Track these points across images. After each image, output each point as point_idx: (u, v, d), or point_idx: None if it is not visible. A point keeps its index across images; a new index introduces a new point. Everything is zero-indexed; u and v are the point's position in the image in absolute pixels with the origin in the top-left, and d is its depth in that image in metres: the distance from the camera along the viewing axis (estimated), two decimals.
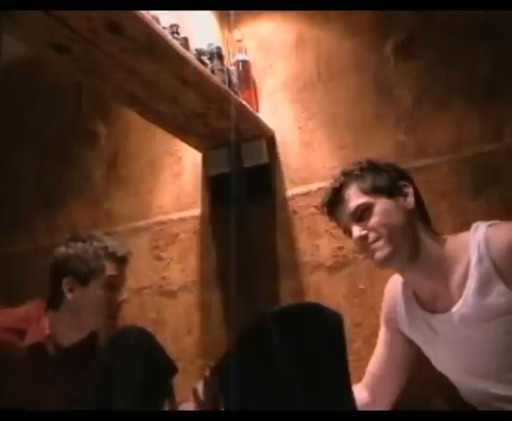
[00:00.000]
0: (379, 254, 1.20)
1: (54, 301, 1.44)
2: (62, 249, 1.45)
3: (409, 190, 1.26)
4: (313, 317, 0.99)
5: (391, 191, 1.24)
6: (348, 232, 1.27)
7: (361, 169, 1.27)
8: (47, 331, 1.41)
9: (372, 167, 1.27)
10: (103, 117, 2.09)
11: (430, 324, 1.24)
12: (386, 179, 1.25)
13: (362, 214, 1.22)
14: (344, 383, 0.97)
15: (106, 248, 1.44)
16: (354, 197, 1.24)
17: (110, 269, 1.42)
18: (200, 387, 1.25)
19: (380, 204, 1.22)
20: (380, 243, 1.20)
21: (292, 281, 1.71)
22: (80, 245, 1.44)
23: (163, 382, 1.19)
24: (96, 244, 1.45)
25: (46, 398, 1.37)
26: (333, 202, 1.28)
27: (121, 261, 1.46)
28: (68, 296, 1.41)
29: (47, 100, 2.19)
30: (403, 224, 1.21)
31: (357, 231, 1.22)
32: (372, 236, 1.21)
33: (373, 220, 1.21)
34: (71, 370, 1.41)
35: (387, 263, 1.22)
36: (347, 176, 1.27)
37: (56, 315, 1.43)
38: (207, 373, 1.14)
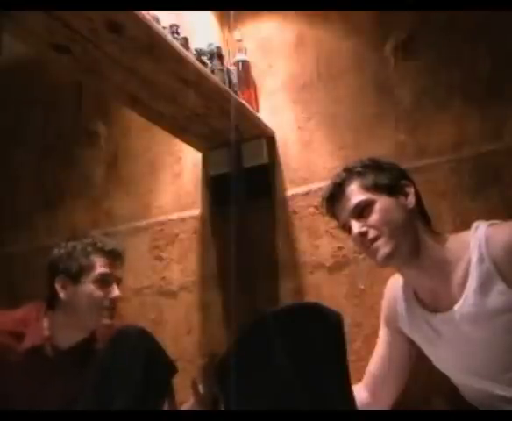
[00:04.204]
0: (380, 253, 1.20)
1: (51, 303, 1.44)
2: (55, 251, 1.46)
3: (411, 190, 1.26)
4: (313, 317, 0.99)
5: (392, 190, 1.24)
6: (347, 228, 1.27)
7: (363, 166, 1.27)
8: (46, 334, 1.41)
9: (374, 165, 1.27)
10: (103, 117, 2.08)
11: (431, 323, 1.24)
12: (388, 177, 1.25)
13: (363, 211, 1.22)
14: (344, 383, 0.97)
15: (94, 244, 1.44)
16: (355, 194, 1.24)
17: (100, 264, 1.42)
18: (200, 380, 1.26)
19: (381, 202, 1.22)
20: (380, 242, 1.20)
21: (292, 282, 1.71)
22: (70, 244, 1.46)
23: (163, 382, 1.19)
24: (85, 241, 1.45)
25: (45, 401, 1.36)
26: (334, 197, 1.28)
27: (111, 255, 1.45)
28: (61, 294, 1.41)
29: (47, 100, 2.19)
30: (404, 223, 1.21)
31: (356, 227, 1.22)
32: (372, 233, 1.21)
33: (374, 217, 1.21)
34: (69, 372, 1.40)
35: (387, 262, 1.22)
36: (349, 173, 1.27)
37: (53, 316, 1.43)
38: (205, 364, 1.14)
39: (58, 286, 1.41)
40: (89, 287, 1.40)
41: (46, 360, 1.40)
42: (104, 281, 1.42)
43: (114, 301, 1.44)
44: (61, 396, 1.37)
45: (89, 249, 1.43)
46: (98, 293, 1.41)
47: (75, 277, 1.41)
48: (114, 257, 1.46)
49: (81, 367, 1.39)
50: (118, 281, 1.47)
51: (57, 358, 1.41)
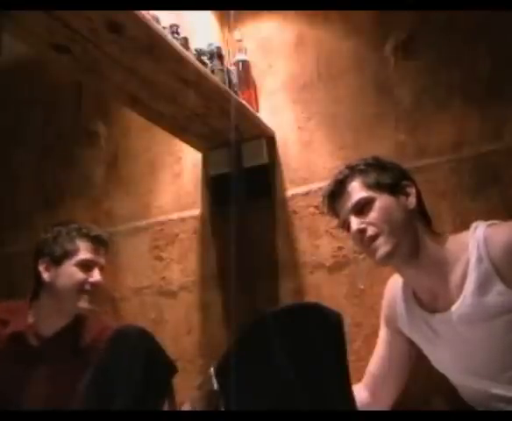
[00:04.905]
0: (379, 252, 1.20)
1: (36, 290, 1.46)
2: (41, 236, 1.49)
3: (412, 190, 1.26)
4: (313, 317, 0.99)
5: (394, 189, 1.24)
6: (347, 226, 1.27)
7: (366, 165, 1.27)
8: (29, 321, 1.43)
9: (377, 164, 1.28)
10: (103, 117, 2.08)
11: (430, 324, 1.24)
12: (390, 177, 1.26)
13: (363, 208, 1.23)
14: (344, 383, 0.97)
15: (79, 229, 1.47)
16: (357, 191, 1.24)
17: (84, 249, 1.44)
18: (201, 385, 1.25)
19: (382, 200, 1.22)
20: (380, 240, 1.20)
21: (292, 282, 1.71)
22: (55, 228, 1.48)
23: (163, 382, 1.19)
24: (70, 226, 1.47)
25: (26, 388, 1.38)
26: (335, 194, 1.29)
27: (96, 241, 1.47)
28: (45, 276, 1.42)
29: (47, 100, 2.19)
30: (404, 223, 1.22)
31: (356, 223, 1.22)
32: (370, 230, 1.21)
33: (373, 215, 1.21)
34: (53, 359, 1.42)
35: (387, 261, 1.22)
36: (352, 170, 1.27)
37: (38, 304, 1.46)
38: (209, 372, 1.14)
39: (41, 268, 1.43)
40: (71, 269, 1.42)
41: (29, 347, 1.41)
42: (87, 266, 1.44)
43: (95, 285, 1.45)
44: (46, 383, 1.38)
45: (74, 234, 1.46)
46: (79, 275, 1.43)
47: (59, 260, 1.43)
48: (98, 243, 1.48)
49: (64, 355, 1.41)
50: (101, 268, 1.48)
51: (40, 345, 1.43)
